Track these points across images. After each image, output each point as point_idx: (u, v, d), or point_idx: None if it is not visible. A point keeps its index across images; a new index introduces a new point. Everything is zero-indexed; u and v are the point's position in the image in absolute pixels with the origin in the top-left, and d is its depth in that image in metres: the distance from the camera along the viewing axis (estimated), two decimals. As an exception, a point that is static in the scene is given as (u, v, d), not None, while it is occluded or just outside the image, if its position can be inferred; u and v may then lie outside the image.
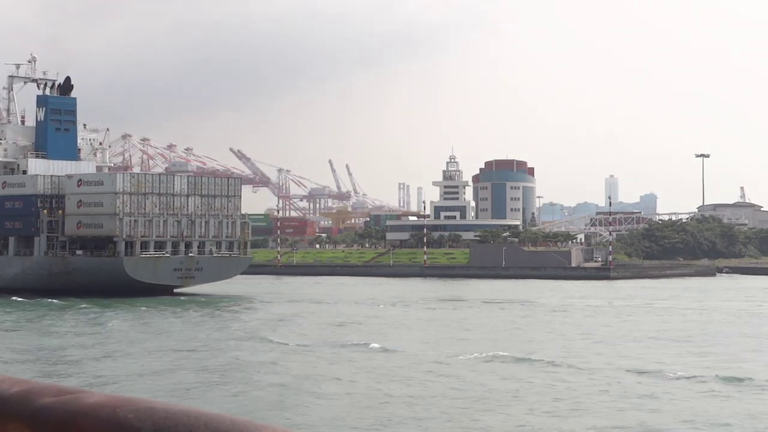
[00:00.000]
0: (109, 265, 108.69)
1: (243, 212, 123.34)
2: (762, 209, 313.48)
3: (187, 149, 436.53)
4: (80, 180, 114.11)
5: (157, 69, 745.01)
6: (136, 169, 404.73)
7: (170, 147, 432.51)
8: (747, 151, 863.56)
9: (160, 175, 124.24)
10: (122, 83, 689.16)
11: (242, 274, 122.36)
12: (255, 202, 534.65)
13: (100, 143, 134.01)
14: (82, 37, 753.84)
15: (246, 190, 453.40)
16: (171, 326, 73.18)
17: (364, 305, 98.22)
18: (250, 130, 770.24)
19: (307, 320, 79.38)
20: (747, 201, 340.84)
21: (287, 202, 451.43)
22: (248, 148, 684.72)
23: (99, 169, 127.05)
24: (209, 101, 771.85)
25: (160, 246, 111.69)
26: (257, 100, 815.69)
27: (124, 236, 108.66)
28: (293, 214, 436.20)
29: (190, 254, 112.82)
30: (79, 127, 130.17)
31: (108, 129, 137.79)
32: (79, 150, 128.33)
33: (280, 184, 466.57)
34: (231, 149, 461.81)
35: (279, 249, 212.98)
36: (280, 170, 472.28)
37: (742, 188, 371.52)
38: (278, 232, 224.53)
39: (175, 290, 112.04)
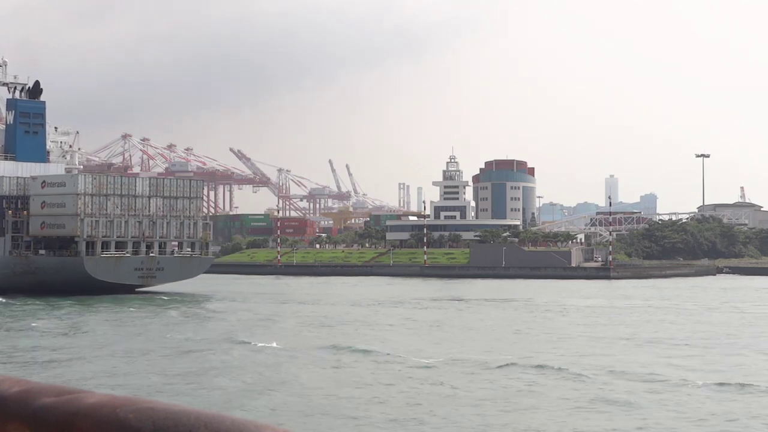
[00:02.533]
0: (70, 265, 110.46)
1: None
2: (762, 209, 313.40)
3: (187, 149, 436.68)
4: (44, 181, 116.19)
5: (157, 69, 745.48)
6: (136, 169, 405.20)
7: (170, 147, 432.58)
8: (747, 151, 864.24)
9: (122, 176, 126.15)
10: (122, 83, 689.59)
11: (242, 274, 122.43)
12: (255, 202, 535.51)
13: (70, 146, 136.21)
14: (81, 37, 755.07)
15: (246, 190, 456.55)
16: (88, 323, 74.66)
17: (313, 305, 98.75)
18: (251, 130, 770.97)
19: (228, 318, 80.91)
20: (747, 201, 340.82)
21: (287, 202, 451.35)
22: (248, 148, 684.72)
23: (68, 171, 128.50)
24: (210, 101, 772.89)
25: (121, 246, 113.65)
26: (258, 100, 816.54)
27: (85, 236, 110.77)
28: (293, 214, 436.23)
29: (151, 254, 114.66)
30: (51, 129, 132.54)
31: (78, 132, 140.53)
32: (49, 152, 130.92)
33: (280, 184, 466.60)
34: (231, 149, 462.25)
35: (279, 249, 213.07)
36: (280, 170, 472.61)
37: (742, 188, 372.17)
38: (278, 232, 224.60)
39: (137, 289, 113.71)
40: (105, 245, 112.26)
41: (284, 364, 49.94)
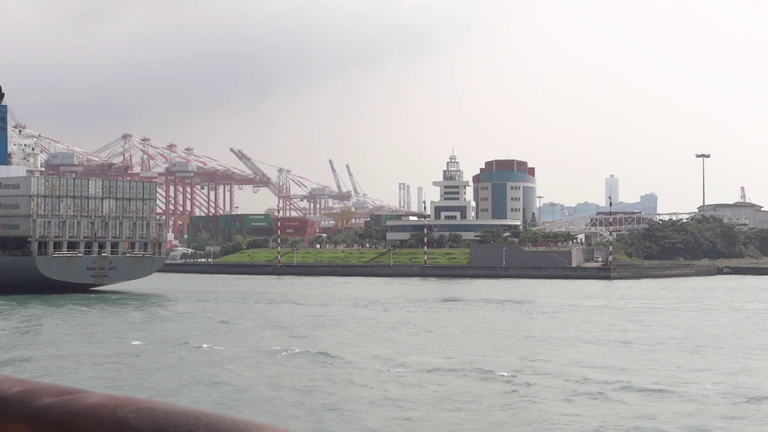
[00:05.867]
0: (23, 264, 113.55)
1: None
2: (762, 209, 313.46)
3: (187, 149, 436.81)
4: None
5: (158, 69, 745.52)
6: (137, 169, 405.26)
7: (170, 147, 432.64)
8: (747, 151, 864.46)
9: (74, 179, 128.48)
10: (123, 83, 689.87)
11: (242, 274, 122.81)
12: (255, 202, 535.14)
13: (33, 149, 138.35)
14: (81, 37, 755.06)
15: (246, 190, 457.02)
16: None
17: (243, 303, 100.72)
18: (251, 130, 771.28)
19: (136, 313, 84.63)
20: (747, 201, 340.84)
21: (288, 202, 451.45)
22: (249, 148, 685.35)
23: (30, 173, 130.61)
24: (210, 101, 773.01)
25: (73, 246, 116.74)
26: (258, 100, 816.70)
27: (37, 236, 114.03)
28: (294, 214, 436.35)
29: (103, 254, 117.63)
30: (15, 132, 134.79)
31: (39, 135, 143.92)
32: (11, 155, 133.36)
33: (281, 184, 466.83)
34: (231, 149, 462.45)
35: (279, 249, 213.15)
36: (280, 170, 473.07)
37: (742, 188, 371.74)
38: (278, 232, 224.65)
39: (90, 288, 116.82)
40: (57, 245, 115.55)
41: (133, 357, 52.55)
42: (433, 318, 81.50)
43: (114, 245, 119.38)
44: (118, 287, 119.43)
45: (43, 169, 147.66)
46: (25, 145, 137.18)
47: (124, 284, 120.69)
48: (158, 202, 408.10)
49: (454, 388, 41.10)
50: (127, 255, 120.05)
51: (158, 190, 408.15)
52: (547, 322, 77.49)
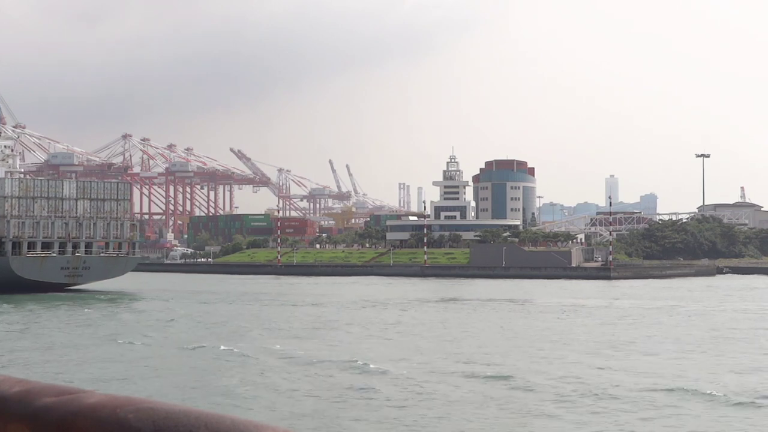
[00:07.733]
0: None
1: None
2: (762, 209, 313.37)
3: (187, 149, 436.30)
4: None
5: (158, 68, 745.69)
6: (137, 169, 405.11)
7: (170, 147, 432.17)
8: (747, 151, 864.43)
9: (48, 180, 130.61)
10: (122, 83, 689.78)
11: (242, 274, 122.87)
12: (255, 202, 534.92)
13: (12, 150, 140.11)
14: (82, 37, 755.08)
15: (246, 190, 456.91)
16: None
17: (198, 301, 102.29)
18: (251, 130, 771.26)
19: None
20: (747, 201, 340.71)
21: (287, 202, 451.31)
22: (248, 148, 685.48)
23: (10, 174, 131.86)
24: (210, 101, 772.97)
25: (47, 246, 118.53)
26: (258, 100, 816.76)
27: (11, 237, 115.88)
28: (293, 214, 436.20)
29: (77, 254, 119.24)
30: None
31: (18, 137, 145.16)
32: None
33: (281, 184, 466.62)
34: (231, 149, 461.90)
35: (279, 249, 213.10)
36: (280, 170, 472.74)
37: (742, 188, 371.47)
38: (278, 232, 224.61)
39: (65, 288, 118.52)
40: (31, 245, 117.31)
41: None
42: (400, 318, 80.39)
43: (88, 245, 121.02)
44: (93, 287, 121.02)
45: (23, 170, 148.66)
46: (4, 146, 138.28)
47: (101, 283, 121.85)
48: (158, 202, 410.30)
49: (331, 383, 41.76)
50: (101, 255, 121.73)
51: (158, 190, 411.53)
52: (535, 322, 77.18)
